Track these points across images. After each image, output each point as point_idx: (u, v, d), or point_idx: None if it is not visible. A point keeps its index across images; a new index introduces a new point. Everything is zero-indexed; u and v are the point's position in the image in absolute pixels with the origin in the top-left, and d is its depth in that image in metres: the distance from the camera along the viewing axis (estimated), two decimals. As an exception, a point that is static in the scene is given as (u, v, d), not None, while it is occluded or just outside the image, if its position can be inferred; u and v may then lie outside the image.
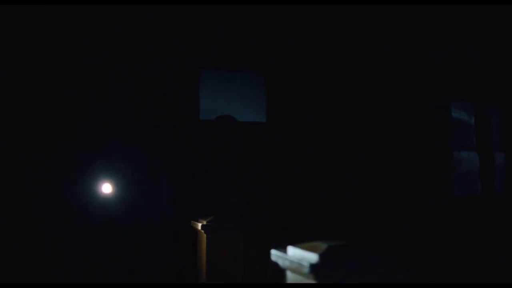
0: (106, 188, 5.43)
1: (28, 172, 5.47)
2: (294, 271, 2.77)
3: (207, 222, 4.76)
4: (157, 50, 6.09)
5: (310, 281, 2.68)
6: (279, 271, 2.97)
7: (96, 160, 5.54)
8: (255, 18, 6.47)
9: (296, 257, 2.75)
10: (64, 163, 5.53)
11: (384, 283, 2.76)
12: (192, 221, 5.09)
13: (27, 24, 5.62)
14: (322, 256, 2.64)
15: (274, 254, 2.91)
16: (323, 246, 2.72)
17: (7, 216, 5.33)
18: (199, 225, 4.81)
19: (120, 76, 5.71)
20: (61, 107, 5.61)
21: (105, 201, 5.44)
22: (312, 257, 2.66)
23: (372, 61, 6.77)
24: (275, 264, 2.93)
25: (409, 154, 6.86)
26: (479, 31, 6.46)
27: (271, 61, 6.63)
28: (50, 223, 5.40)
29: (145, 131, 5.72)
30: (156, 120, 5.84)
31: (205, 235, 4.74)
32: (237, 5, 6.08)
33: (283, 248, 2.86)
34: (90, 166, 5.55)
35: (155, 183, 5.64)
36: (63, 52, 5.76)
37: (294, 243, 2.89)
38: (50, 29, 5.71)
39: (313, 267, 2.63)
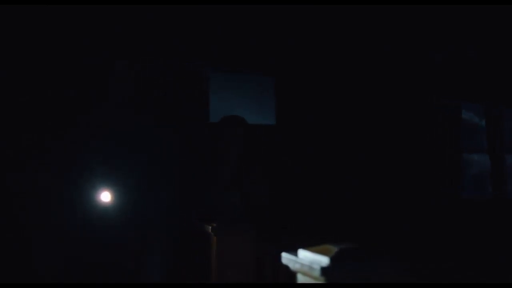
0: (106, 189, 5.41)
1: (28, 172, 5.45)
2: (305, 273, 2.80)
3: (216, 224, 4.73)
4: (157, 50, 6.09)
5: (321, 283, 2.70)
6: (290, 274, 2.98)
7: (95, 160, 5.53)
8: (255, 18, 6.47)
9: (307, 260, 2.78)
10: (63, 163, 5.52)
11: (393, 283, 2.78)
12: (205, 224, 5.05)
13: (27, 24, 5.60)
14: (332, 259, 2.67)
15: (285, 257, 2.93)
16: (333, 249, 2.74)
17: (7, 216, 5.32)
18: (209, 228, 4.79)
19: (120, 76, 5.69)
20: (61, 107, 5.60)
21: (105, 202, 5.43)
22: (323, 260, 2.68)
23: (372, 61, 6.79)
24: (286, 267, 2.95)
25: (409, 155, 6.88)
26: (479, 31, 6.47)
27: (271, 61, 6.64)
28: (50, 223, 5.39)
29: (145, 131, 5.71)
30: (156, 121, 5.84)
31: (215, 238, 4.71)
32: (238, 5, 6.07)
33: (294, 251, 2.88)
34: (90, 166, 5.53)
35: (155, 183, 5.62)
36: (63, 52, 5.75)
37: (301, 245, 2.90)
38: (50, 29, 5.69)
39: (324, 270, 2.66)
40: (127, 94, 5.79)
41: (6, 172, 5.39)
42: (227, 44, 6.48)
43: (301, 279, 2.85)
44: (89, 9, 5.67)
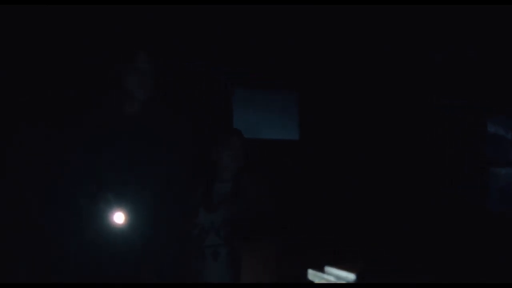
0: (118, 207, 5.10)
1: (27, 174, 5.40)
2: (331, 290, 2.83)
3: (235, 237, 4.71)
4: (157, 50, 6.05)
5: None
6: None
7: (95, 162, 5.43)
8: (254, 18, 6.46)
9: (333, 276, 2.80)
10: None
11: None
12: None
13: (27, 24, 5.56)
14: (359, 276, 2.70)
15: (311, 273, 2.96)
16: (360, 265, 2.78)
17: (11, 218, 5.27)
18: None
19: (120, 76, 5.63)
20: (61, 107, 5.56)
21: (119, 223, 5.17)
22: (350, 276, 2.72)
23: (373, 61, 6.81)
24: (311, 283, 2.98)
25: (410, 155, 6.91)
26: (479, 31, 6.48)
27: (271, 61, 6.65)
28: (52, 225, 5.32)
29: (145, 133, 5.63)
30: (156, 121, 5.76)
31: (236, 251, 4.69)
32: (238, 5, 6.06)
33: (319, 268, 2.91)
34: (90, 167, 5.44)
35: (163, 195, 5.42)
36: (63, 52, 5.72)
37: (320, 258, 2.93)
38: (50, 29, 5.66)
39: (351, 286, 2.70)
40: (127, 95, 5.73)
41: (7, 174, 5.34)
42: (227, 44, 6.48)
43: (326, 295, 2.89)
44: (89, 9, 5.63)
